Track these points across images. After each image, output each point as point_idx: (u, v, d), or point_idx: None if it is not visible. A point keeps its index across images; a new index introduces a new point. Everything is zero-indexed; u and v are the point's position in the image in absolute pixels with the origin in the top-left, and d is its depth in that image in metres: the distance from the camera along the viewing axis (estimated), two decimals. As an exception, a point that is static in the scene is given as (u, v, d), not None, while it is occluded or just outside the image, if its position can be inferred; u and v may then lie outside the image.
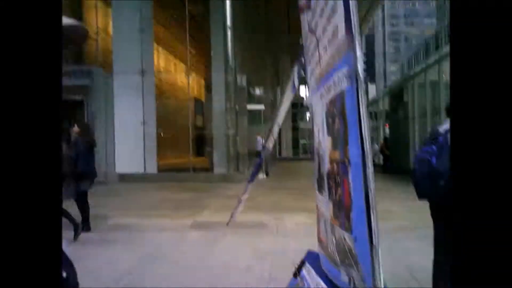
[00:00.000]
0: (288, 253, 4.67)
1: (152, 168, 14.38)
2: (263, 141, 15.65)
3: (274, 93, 29.53)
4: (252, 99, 17.44)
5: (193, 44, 20.14)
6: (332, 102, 0.71)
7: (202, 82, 28.51)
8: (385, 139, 17.63)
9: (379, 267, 0.52)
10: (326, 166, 0.78)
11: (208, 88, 19.29)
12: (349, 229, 0.62)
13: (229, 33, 13.85)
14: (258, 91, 22.66)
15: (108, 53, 14.69)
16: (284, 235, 5.67)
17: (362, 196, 0.54)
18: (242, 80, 14.79)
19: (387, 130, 21.13)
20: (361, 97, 0.53)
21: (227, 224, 1.46)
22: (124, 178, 13.38)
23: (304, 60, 1.21)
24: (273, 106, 23.49)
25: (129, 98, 13.72)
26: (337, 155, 0.69)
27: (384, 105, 22.64)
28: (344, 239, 0.66)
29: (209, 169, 15.46)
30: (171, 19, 19.89)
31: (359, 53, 0.53)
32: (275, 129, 1.40)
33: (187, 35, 15.41)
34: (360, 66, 0.53)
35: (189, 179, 13.72)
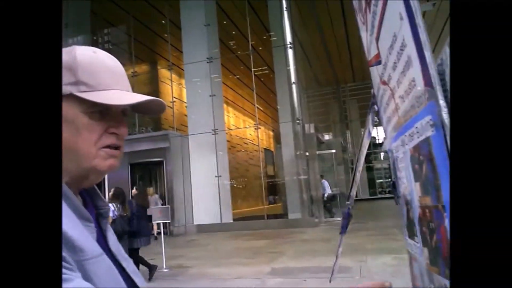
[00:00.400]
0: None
1: (228, 218, 14.83)
2: (328, 184, 15.49)
3: (344, 137, 29.41)
4: (322, 145, 17.61)
5: (260, 101, 21.29)
6: (416, 149, 0.73)
7: (271, 133, 29.45)
8: None
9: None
10: (417, 212, 0.78)
11: (277, 138, 19.94)
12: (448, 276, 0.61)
13: (294, 87, 14.56)
14: (327, 137, 22.80)
15: (183, 117, 16.12)
16: (368, 278, 5.41)
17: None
18: (310, 128, 15.19)
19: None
20: (447, 145, 0.54)
21: (330, 281, 1.45)
22: (202, 228, 13.88)
23: (378, 108, 1.23)
24: (344, 150, 23.24)
25: (204, 155, 14.72)
26: (429, 201, 0.68)
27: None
28: (446, 287, 0.64)
29: (283, 215, 15.53)
30: (238, 81, 21.42)
31: (442, 102, 0.55)
32: (357, 176, 1.41)
33: (254, 93, 16.53)
34: (445, 115, 0.55)
35: (263, 226, 13.91)
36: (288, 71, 14.62)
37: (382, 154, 43.60)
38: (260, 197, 16.89)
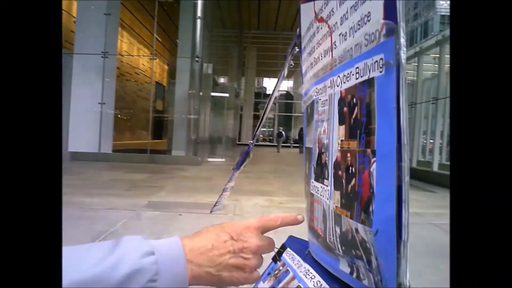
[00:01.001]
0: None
1: (107, 148, 14.13)
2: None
3: (239, 82, 29.66)
4: (217, 87, 17.52)
5: (159, 31, 19.97)
6: (349, 90, 0.69)
7: (165, 67, 28.13)
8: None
9: (406, 263, 0.52)
10: (334, 155, 0.76)
11: (172, 74, 19.15)
12: (366, 222, 0.61)
13: (198, 23, 13.95)
14: (222, 80, 22.71)
15: (70, 33, 14.20)
16: (241, 216, 5.75)
17: (391, 189, 0.53)
18: (208, 68, 14.89)
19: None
20: (403, 86, 0.51)
21: (211, 212, 1.43)
22: (77, 156, 13.03)
23: (300, 50, 1.18)
24: (236, 96, 23.56)
25: (89, 79, 13.53)
26: (354, 145, 0.67)
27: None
28: (356, 231, 0.65)
29: (166, 151, 15.45)
30: (139, 5, 19.66)
31: (403, 40, 0.51)
32: (265, 117, 1.38)
33: (155, 21, 15.49)
34: (403, 54, 0.51)
35: (145, 160, 13.68)
36: (195, 5, 13.86)
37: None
38: (145, 131, 16.33)
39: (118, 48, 16.57)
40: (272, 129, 41.42)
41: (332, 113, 0.77)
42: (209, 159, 15.09)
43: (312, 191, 0.93)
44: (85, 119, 13.25)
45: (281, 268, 1.12)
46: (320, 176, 0.85)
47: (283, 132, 28.10)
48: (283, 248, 1.21)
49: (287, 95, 43.89)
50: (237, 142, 28.84)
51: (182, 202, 6.76)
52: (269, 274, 1.15)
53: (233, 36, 28.54)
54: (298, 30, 1.29)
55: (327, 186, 0.79)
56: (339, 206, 0.71)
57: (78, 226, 4.81)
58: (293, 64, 1.55)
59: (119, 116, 17.11)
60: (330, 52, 0.80)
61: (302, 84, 1.22)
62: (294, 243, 1.15)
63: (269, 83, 50.46)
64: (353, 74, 0.66)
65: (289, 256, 1.13)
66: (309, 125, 1.02)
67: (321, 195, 0.84)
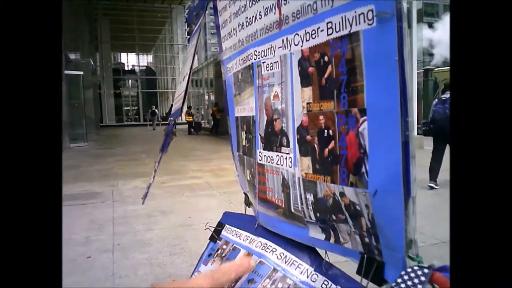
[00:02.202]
0: (129, 219, 4.49)
1: None
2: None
3: (94, 59, 27.13)
4: (70, 64, 15.64)
5: None
6: (317, 48, 0.65)
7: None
8: (216, 104, 18.86)
9: (415, 220, 0.51)
10: (298, 120, 0.72)
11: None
12: (358, 184, 0.59)
13: None
14: (73, 56, 20.39)
15: None
16: (121, 201, 5.40)
17: (395, 146, 0.51)
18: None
19: (212, 97, 22.38)
20: (405, 37, 0.48)
21: (143, 203, 1.27)
22: None
23: (216, 11, 1.08)
24: (93, 73, 21.58)
25: None
26: (330, 106, 0.63)
27: (208, 73, 23.61)
28: (341, 194, 0.62)
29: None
30: None
31: (404, -11, 0.48)
32: (181, 91, 1.25)
33: None
34: (404, 3, 0.48)
35: None
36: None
37: (130, 81, 43.25)
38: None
39: None
40: (136, 107, 39.43)
41: (289, 75, 0.71)
42: (71, 145, 13.63)
43: (261, 162, 0.87)
44: None
45: (224, 246, 1.04)
46: (274, 145, 0.79)
47: (156, 111, 27.95)
48: (220, 225, 1.13)
49: (148, 71, 42.04)
50: (100, 124, 26.70)
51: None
52: (210, 255, 1.06)
53: (81, 6, 25.69)
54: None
55: (288, 153, 0.74)
56: (310, 172, 0.67)
57: None
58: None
59: None
60: (277, 9, 0.73)
61: (222, 50, 1.13)
62: (232, 218, 1.08)
63: (126, 59, 47.52)
64: (322, 30, 0.61)
65: (230, 232, 1.06)
66: (241, 93, 0.95)
67: (277, 164, 0.79)
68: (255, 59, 0.85)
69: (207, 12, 1.28)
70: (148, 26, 32.04)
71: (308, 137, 0.69)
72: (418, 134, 9.43)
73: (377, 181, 0.55)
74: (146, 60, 44.85)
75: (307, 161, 0.70)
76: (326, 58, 0.63)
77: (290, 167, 0.76)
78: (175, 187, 6.50)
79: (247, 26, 0.88)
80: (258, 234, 0.92)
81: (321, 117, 0.65)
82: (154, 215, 4.80)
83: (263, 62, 0.81)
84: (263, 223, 0.93)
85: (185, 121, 20.05)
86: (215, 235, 1.04)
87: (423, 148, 8.46)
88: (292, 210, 0.76)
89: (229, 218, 1.05)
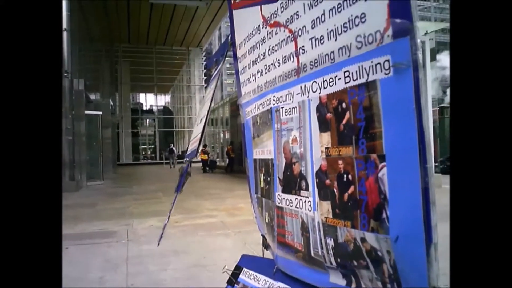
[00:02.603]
0: (143, 258, 4.43)
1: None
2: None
3: (114, 100, 27.98)
4: (90, 105, 16.15)
5: None
6: (335, 95, 0.67)
7: (27, 82, 24.93)
8: (232, 143, 19.02)
9: (437, 266, 0.50)
10: (316, 164, 0.73)
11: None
12: (379, 229, 0.59)
13: (65, 35, 12.76)
14: (95, 97, 21.11)
15: None
16: (136, 241, 5.34)
17: (415, 192, 0.51)
18: (79, 84, 13.65)
19: (227, 136, 22.64)
20: (422, 87, 0.50)
21: (158, 244, 1.27)
22: None
23: (236, 58, 1.13)
24: (112, 113, 22.18)
25: None
26: (348, 151, 0.64)
27: (224, 112, 24.03)
28: (362, 240, 0.62)
29: (36, 179, 13.63)
30: None
31: (419, 40, 0.50)
32: (197, 132, 1.28)
33: None
34: (420, 55, 0.50)
35: None
36: (60, 16, 12.67)
37: (147, 120, 44.18)
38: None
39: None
40: (153, 146, 40.00)
41: (308, 120, 0.73)
42: (89, 183, 13.77)
43: (279, 205, 0.87)
44: None
45: (240, 289, 1.03)
46: (293, 188, 0.80)
47: (174, 149, 28.67)
48: (238, 269, 1.12)
49: (166, 110, 42.96)
50: (118, 162, 27.07)
51: (66, 234, 5.99)
52: (227, 299, 1.05)
53: (104, 50, 26.88)
54: (228, 37, 1.23)
55: (307, 197, 0.75)
56: (330, 216, 0.68)
57: None
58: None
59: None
60: (295, 58, 0.77)
61: (241, 95, 1.17)
62: (250, 261, 1.07)
63: (145, 99, 48.84)
64: (339, 79, 0.64)
65: (248, 276, 1.05)
66: (259, 135, 0.97)
67: (296, 207, 0.79)
68: (274, 104, 0.88)
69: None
70: (167, 67, 33.09)
71: (327, 181, 0.70)
72: (436, 172, 9.29)
73: (398, 227, 0.55)
74: (164, 100, 45.97)
75: (326, 205, 0.71)
76: (344, 105, 0.65)
77: (310, 210, 0.76)
78: (189, 226, 6.44)
79: (266, 73, 0.92)
80: (277, 279, 0.91)
81: (340, 162, 0.67)
82: (168, 255, 4.73)
83: (282, 107, 0.84)
84: (282, 267, 0.92)
85: (200, 159, 20.19)
86: (233, 279, 1.03)
87: (441, 187, 8.27)
88: (312, 254, 0.76)
89: (247, 261, 1.04)
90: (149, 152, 42.38)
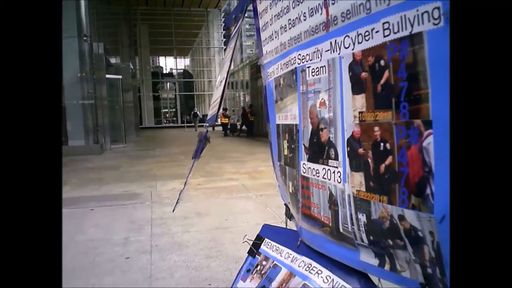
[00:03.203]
0: (166, 220, 4.53)
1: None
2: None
3: (134, 63, 28.05)
4: (110, 68, 16.21)
5: None
6: (372, 51, 0.58)
7: (47, 47, 25.21)
8: (251, 106, 18.93)
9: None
10: (348, 131, 0.65)
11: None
12: (421, 207, 0.51)
13: None
14: (114, 60, 21.16)
15: None
16: (159, 202, 5.46)
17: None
18: (98, 47, 13.65)
19: (247, 99, 22.49)
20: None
21: (173, 210, 1.25)
22: None
23: (256, 14, 1.03)
24: (133, 76, 22.28)
25: None
26: (387, 116, 0.56)
27: (244, 75, 23.76)
28: (400, 218, 0.55)
29: (63, 141, 14.14)
30: None
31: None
32: (217, 96, 1.20)
33: None
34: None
35: None
36: (77, -21, 12.50)
37: (168, 84, 44.32)
38: (32, 121, 14.61)
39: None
40: (174, 109, 40.35)
41: (339, 81, 0.64)
42: (112, 146, 14.08)
43: (305, 174, 0.80)
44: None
45: (264, 262, 0.98)
46: (320, 156, 0.72)
47: (198, 112, 29.26)
48: (259, 239, 1.06)
49: (186, 74, 42.87)
50: (140, 126, 27.54)
51: (91, 195, 6.16)
52: (248, 271, 1.01)
53: (121, 13, 26.61)
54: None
55: (336, 167, 0.67)
56: (363, 189, 0.60)
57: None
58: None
59: None
60: (324, 9, 0.67)
61: (262, 54, 1.08)
62: (271, 232, 1.02)
63: (164, 62, 48.78)
64: (376, 31, 0.54)
65: (270, 248, 0.99)
66: (283, 99, 0.89)
67: (324, 177, 0.72)
68: (299, 64, 0.79)
69: (245, 14, 1.23)
70: (185, 30, 32.69)
71: (361, 150, 0.62)
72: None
73: (445, 205, 0.47)
74: (183, 63, 45.79)
75: (359, 177, 0.63)
76: (382, 62, 0.55)
77: (339, 182, 0.69)
78: (211, 189, 6.53)
79: (290, 28, 0.82)
80: (301, 253, 0.85)
81: (376, 128, 0.58)
82: (191, 217, 4.82)
83: (308, 67, 0.75)
84: (307, 240, 0.86)
85: (220, 123, 20.28)
86: (254, 249, 0.98)
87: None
88: (341, 230, 0.69)
89: (268, 232, 0.99)
90: (170, 116, 42.84)
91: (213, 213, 4.84)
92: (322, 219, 0.77)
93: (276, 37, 0.91)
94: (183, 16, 31.09)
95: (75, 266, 3.17)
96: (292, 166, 0.87)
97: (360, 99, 0.61)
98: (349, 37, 0.63)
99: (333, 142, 0.70)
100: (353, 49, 0.62)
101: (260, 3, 0.98)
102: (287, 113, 0.87)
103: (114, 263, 3.26)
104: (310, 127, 0.77)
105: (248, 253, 0.99)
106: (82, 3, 12.79)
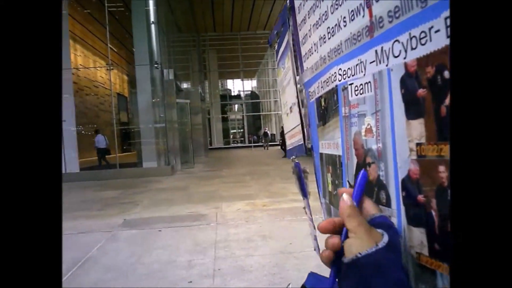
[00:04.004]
0: (230, 243, 4.47)
1: (74, 167, 13.53)
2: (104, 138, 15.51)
3: (203, 87, 29.45)
4: (181, 93, 17.10)
5: (113, 41, 19.56)
6: (430, 60, 0.41)
7: (125, 77, 27.48)
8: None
9: None
10: (403, 169, 0.47)
11: (132, 83, 18.68)
12: None
13: (153, 28, 13.61)
14: (185, 85, 22.36)
15: None
16: (224, 224, 5.45)
17: None
18: (169, 74, 14.51)
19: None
20: None
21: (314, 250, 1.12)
22: None
23: (296, 27, 0.89)
24: (202, 100, 23.27)
25: None
26: (447, 150, 0.38)
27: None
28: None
29: (137, 164, 15.06)
30: (89, 16, 19.32)
31: None
32: (294, 124, 1.08)
33: (107, 30, 15.18)
34: None
35: (115, 176, 13.19)
36: (147, 11, 13.48)
37: (236, 105, 45.66)
38: (112, 145, 15.78)
39: (72, 62, 15.96)
40: (242, 130, 41.29)
41: (388, 101, 0.48)
42: (182, 168, 14.67)
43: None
44: (45, 140, 12.57)
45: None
46: (377, 198, 0.55)
47: (268, 132, 30.46)
48: (304, 290, 0.90)
49: (252, 95, 43.83)
50: (209, 147, 28.57)
51: (159, 216, 6.37)
52: (291, 330, 0.85)
53: (190, 39, 28.18)
54: (286, 2, 0.99)
55: (388, 216, 0.50)
56: (425, 253, 0.42)
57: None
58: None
59: (82, 132, 16.61)
60: (366, 10, 0.51)
61: (301, 73, 0.93)
62: (318, 283, 0.84)
63: (232, 85, 50.43)
64: (437, 31, 0.38)
65: (315, 302, 0.83)
66: (325, 123, 0.73)
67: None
68: (339, 80, 0.62)
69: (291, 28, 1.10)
70: (252, 52, 33.67)
71: (420, 198, 0.44)
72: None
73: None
74: (250, 84, 46.97)
75: (419, 234, 0.45)
76: (446, 74, 0.38)
77: (399, 237, 0.51)
78: (277, 210, 6.40)
79: (329, 38, 0.66)
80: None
81: (441, 168, 0.40)
82: (255, 240, 4.72)
83: (350, 84, 0.58)
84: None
85: (278, 142, 20.36)
86: (298, 303, 0.82)
87: None
88: None
89: (315, 282, 0.82)
90: (238, 136, 43.88)
91: (277, 236, 4.70)
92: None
93: (315, 50, 0.76)
94: (249, 39, 32.15)
95: (140, 289, 3.22)
96: (338, 206, 0.70)
97: (418, 126, 0.44)
98: (399, 42, 0.46)
99: (384, 182, 0.52)
100: (405, 58, 0.45)
101: (298, 13, 0.84)
102: (330, 140, 0.70)
103: (177, 288, 3.25)
104: (355, 160, 0.60)
105: (291, 306, 0.82)
106: (153, 31, 13.69)
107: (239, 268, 3.76)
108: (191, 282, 3.49)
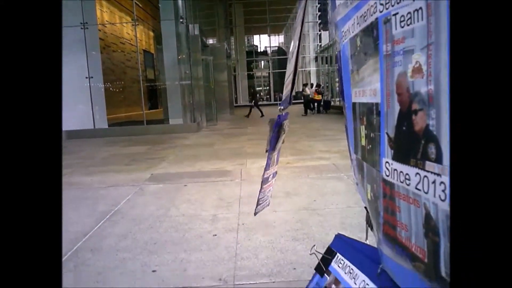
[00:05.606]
0: (254, 198, 4.50)
1: (102, 123, 13.87)
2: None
3: (229, 43, 28.88)
4: (206, 49, 16.87)
5: None
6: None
7: (151, 34, 27.27)
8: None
9: None
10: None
11: (158, 39, 18.52)
12: None
13: None
14: (211, 41, 21.97)
15: None
16: (249, 181, 5.49)
17: None
18: (194, 29, 14.24)
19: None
20: None
21: (255, 214, 1.10)
22: (72, 134, 12.83)
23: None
24: (228, 56, 22.92)
25: (71, 53, 12.97)
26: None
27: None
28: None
29: (164, 120, 15.30)
30: None
31: None
32: (289, 72, 0.99)
33: None
34: None
35: (142, 132, 13.49)
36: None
37: (262, 62, 44.93)
38: (139, 101, 15.96)
39: (98, 18, 15.89)
40: (267, 87, 40.88)
41: (447, 29, 0.37)
42: (207, 124, 14.79)
43: (388, 178, 0.53)
44: (75, 96, 12.81)
45: (333, 286, 0.74)
46: (412, 155, 0.45)
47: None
48: (330, 253, 0.81)
49: (280, 51, 42.84)
50: (234, 104, 28.48)
51: (185, 171, 6.47)
52: (315, 293, 0.79)
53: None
54: None
55: (438, 174, 0.40)
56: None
57: (79, 208, 4.51)
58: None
59: (110, 89, 16.84)
60: None
61: (332, 11, 0.81)
62: (346, 246, 0.76)
63: (259, 41, 49.34)
64: None
65: (343, 268, 0.74)
66: (360, 67, 0.63)
67: (418, 188, 0.45)
68: (381, 11, 0.51)
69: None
70: (279, 6, 32.54)
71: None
72: None
73: None
74: (277, 40, 45.82)
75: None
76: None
77: (443, 200, 0.41)
78: (301, 167, 6.37)
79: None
80: (382, 284, 0.60)
81: None
82: (279, 196, 4.73)
83: (395, 14, 0.47)
84: (390, 272, 0.60)
85: (312, 100, 20.11)
86: (323, 266, 0.75)
87: None
88: (443, 274, 0.42)
89: (342, 245, 0.74)
90: (264, 94, 43.54)
91: (301, 193, 4.68)
92: (414, 249, 0.49)
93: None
94: (278, -6, 30.97)
95: (167, 241, 3.30)
96: (372, 163, 0.60)
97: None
98: None
99: (434, 133, 0.42)
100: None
101: None
102: (365, 87, 0.60)
103: (202, 240, 3.31)
104: (398, 107, 0.50)
105: (315, 269, 0.76)
106: (178, -15, 13.32)
107: (263, 223, 3.78)
108: (215, 235, 3.55)
